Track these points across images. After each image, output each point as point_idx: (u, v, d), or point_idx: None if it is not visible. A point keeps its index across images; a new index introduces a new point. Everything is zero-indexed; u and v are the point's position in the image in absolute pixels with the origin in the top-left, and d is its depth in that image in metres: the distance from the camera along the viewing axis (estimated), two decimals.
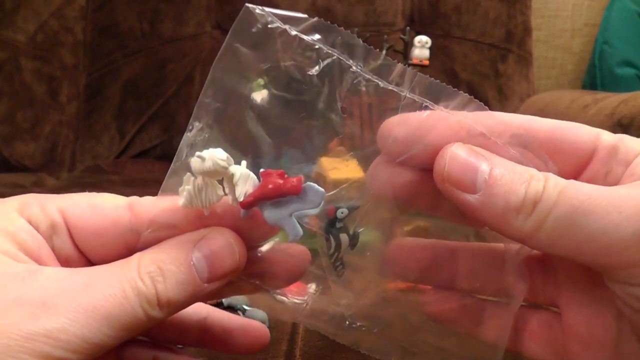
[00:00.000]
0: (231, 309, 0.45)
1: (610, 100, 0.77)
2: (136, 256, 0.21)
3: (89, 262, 0.22)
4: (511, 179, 0.20)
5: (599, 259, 0.20)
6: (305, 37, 0.20)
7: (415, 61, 0.91)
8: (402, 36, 0.92)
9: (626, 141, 0.22)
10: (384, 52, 0.95)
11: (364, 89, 0.21)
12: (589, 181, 0.22)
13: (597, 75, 1.23)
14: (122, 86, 1.18)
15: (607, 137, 0.22)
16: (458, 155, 0.21)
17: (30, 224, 0.21)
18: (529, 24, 1.18)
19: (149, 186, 1.08)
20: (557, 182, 0.20)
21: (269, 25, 0.20)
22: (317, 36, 0.21)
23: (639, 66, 1.20)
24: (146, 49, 1.18)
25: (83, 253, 0.22)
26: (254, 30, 0.20)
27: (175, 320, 0.27)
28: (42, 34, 1.20)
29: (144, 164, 1.13)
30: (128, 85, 1.18)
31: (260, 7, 0.20)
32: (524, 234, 0.20)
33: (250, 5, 0.20)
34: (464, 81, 1.14)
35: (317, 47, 0.20)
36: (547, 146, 0.22)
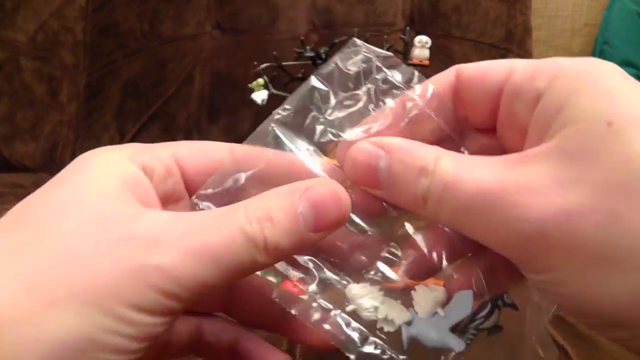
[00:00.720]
0: None
1: None
2: (242, 203, 0.21)
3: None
4: (405, 176, 0.21)
5: (496, 248, 0.20)
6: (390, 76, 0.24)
7: (415, 61, 0.91)
8: (402, 36, 0.92)
9: (533, 75, 0.21)
10: None
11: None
12: (502, 126, 0.22)
13: None
14: (122, 86, 1.18)
15: (517, 75, 0.22)
16: (357, 159, 0.22)
17: (144, 169, 0.22)
18: (529, 24, 1.18)
19: None
20: (442, 175, 0.20)
21: (372, 60, 0.24)
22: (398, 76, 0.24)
23: (639, 66, 1.20)
24: (146, 49, 1.18)
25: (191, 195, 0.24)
26: (356, 58, 0.24)
27: (257, 299, 0.26)
28: (42, 34, 1.20)
29: None
30: (128, 85, 1.18)
31: (364, 44, 0.24)
32: (430, 219, 0.22)
33: (357, 40, 0.24)
34: None
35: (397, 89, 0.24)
36: (461, 90, 0.24)
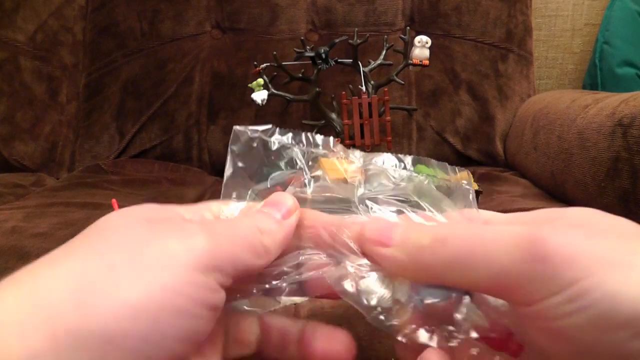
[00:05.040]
0: None
1: (610, 100, 0.77)
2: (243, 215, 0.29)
3: None
4: (417, 234, 0.25)
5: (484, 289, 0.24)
6: (271, 139, 0.32)
7: (415, 61, 0.91)
8: (402, 36, 0.92)
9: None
10: (384, 51, 0.95)
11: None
12: None
13: (597, 75, 1.23)
14: (121, 86, 1.18)
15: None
16: (371, 227, 0.27)
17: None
18: (530, 24, 1.18)
19: (149, 186, 1.08)
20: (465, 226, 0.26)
21: (251, 136, 0.32)
22: (278, 136, 0.32)
23: (639, 66, 1.20)
24: (146, 49, 1.18)
25: None
26: (242, 140, 0.32)
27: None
28: (42, 34, 1.20)
29: (143, 164, 1.13)
30: (128, 85, 1.18)
31: (243, 126, 0.32)
32: (424, 274, 0.25)
33: (236, 127, 0.32)
34: (464, 81, 1.14)
35: (282, 144, 0.32)
36: None
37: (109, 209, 0.59)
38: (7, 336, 0.18)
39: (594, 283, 0.20)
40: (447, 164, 0.33)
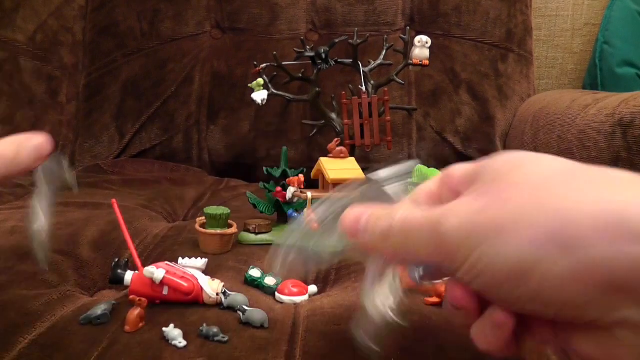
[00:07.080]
0: (231, 309, 0.46)
1: (610, 100, 0.77)
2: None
3: None
4: (375, 222, 0.31)
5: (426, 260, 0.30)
6: None
7: (415, 61, 0.91)
8: (402, 36, 0.92)
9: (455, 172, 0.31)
10: (384, 51, 0.95)
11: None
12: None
13: (597, 75, 1.23)
14: (121, 86, 1.18)
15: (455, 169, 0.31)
16: (347, 217, 0.33)
17: None
18: (530, 24, 1.18)
19: (149, 186, 1.08)
20: (402, 214, 0.30)
21: None
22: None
23: (639, 66, 1.20)
24: (146, 49, 1.18)
25: None
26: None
27: None
28: (42, 34, 1.20)
29: (143, 164, 1.13)
30: (128, 85, 1.18)
31: None
32: (385, 253, 0.31)
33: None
34: (464, 81, 1.14)
35: None
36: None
37: (109, 209, 0.59)
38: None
39: (477, 257, 0.25)
40: None
